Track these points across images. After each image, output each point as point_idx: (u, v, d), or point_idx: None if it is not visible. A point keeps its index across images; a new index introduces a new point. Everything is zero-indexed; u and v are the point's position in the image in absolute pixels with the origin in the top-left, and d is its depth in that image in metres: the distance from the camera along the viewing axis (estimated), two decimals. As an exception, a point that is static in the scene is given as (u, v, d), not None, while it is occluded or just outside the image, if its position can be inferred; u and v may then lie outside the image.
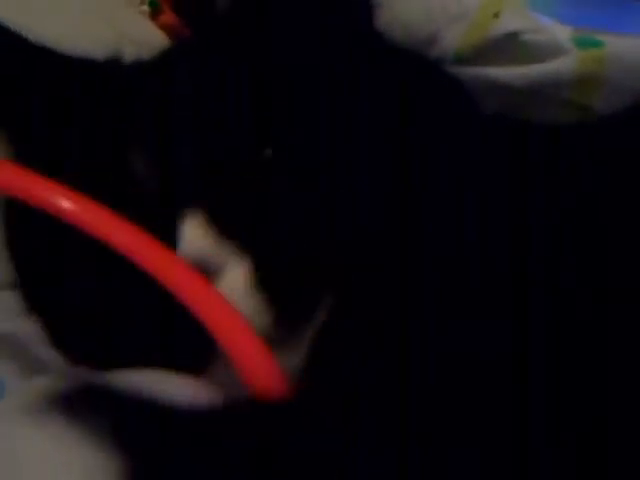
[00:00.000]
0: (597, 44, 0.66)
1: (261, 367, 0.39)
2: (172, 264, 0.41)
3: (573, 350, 0.39)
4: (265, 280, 0.42)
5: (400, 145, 0.45)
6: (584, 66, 0.64)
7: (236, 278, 0.42)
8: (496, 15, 0.66)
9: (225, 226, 0.43)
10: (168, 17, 0.60)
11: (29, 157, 0.46)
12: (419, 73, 0.51)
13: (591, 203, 0.44)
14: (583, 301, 0.41)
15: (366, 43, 0.49)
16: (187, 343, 0.42)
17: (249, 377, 0.39)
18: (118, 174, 0.44)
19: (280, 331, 0.42)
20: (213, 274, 0.42)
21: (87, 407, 0.34)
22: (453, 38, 0.66)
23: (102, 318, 0.44)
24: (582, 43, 0.66)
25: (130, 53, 0.49)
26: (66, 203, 0.40)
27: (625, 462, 0.38)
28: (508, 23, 0.66)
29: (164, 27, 0.59)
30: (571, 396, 0.38)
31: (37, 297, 0.48)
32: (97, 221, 0.40)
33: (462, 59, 0.66)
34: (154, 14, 0.59)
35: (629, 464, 0.37)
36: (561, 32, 0.67)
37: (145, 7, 0.59)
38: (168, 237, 0.42)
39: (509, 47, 0.66)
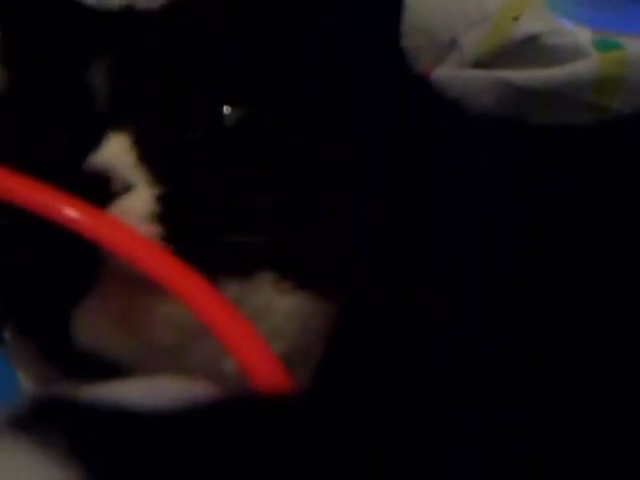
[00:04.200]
0: (617, 46, 0.66)
1: (261, 360, 0.39)
2: (179, 271, 0.41)
3: (578, 354, 0.39)
4: (167, 214, 0.43)
5: (405, 150, 0.46)
6: (605, 68, 0.64)
7: (138, 202, 0.43)
8: (516, 18, 0.66)
9: (149, 152, 0.44)
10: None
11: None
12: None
13: (607, 203, 0.44)
14: (590, 305, 0.41)
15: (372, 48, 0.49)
16: None
17: (250, 371, 0.39)
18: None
19: None
20: (118, 192, 0.42)
21: (48, 425, 0.33)
22: (473, 42, 0.66)
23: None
24: (602, 45, 0.66)
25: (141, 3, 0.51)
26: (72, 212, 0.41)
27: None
28: (528, 26, 0.66)
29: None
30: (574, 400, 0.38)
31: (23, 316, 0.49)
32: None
33: (482, 62, 0.66)
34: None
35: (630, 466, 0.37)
36: (581, 35, 0.68)
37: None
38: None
39: (529, 50, 0.66)
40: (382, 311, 0.42)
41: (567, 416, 0.37)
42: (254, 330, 0.40)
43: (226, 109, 0.45)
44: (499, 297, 0.41)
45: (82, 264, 0.43)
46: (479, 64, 0.66)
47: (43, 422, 0.33)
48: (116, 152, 0.44)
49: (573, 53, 0.65)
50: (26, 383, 0.51)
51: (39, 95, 0.48)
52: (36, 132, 0.47)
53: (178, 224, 0.43)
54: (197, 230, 0.43)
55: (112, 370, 0.45)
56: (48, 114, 0.47)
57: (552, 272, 0.41)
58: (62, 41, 0.48)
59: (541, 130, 0.52)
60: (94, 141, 0.44)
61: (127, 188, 0.43)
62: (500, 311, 0.41)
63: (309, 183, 0.45)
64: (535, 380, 0.38)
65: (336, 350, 0.43)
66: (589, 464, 0.37)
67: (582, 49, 0.66)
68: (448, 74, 0.64)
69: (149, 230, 0.42)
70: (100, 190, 0.42)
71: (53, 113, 0.47)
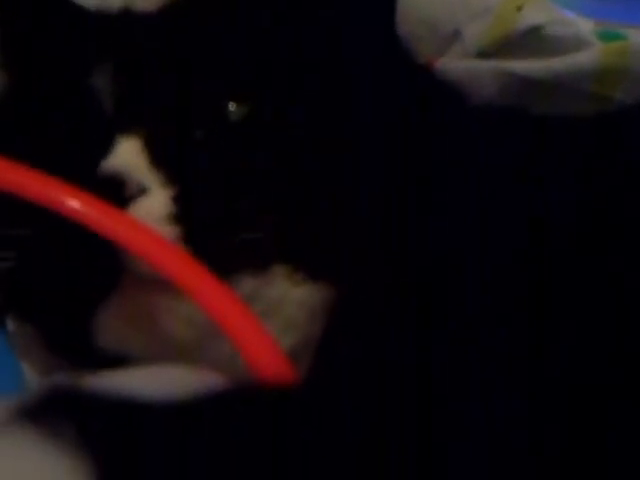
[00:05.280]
0: (619, 37, 0.66)
1: (264, 350, 0.39)
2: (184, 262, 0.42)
3: (578, 347, 0.39)
4: (184, 213, 0.44)
5: (405, 143, 0.46)
6: (607, 59, 0.64)
7: (154, 204, 0.43)
8: (519, 9, 0.66)
9: (160, 155, 0.45)
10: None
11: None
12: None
13: (607, 196, 0.44)
14: (590, 298, 0.41)
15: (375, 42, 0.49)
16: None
17: (252, 361, 0.39)
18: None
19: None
20: (134, 195, 0.43)
21: (56, 415, 0.33)
22: (476, 33, 0.66)
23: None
24: (604, 36, 0.66)
25: (139, 4, 0.51)
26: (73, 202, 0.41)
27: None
28: (531, 17, 0.66)
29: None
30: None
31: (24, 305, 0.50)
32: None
33: (485, 53, 0.66)
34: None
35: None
36: (583, 25, 0.67)
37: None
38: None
39: (532, 40, 0.66)
40: (382, 303, 0.42)
41: (567, 409, 0.37)
42: (262, 326, 0.40)
43: (231, 105, 0.46)
44: (499, 290, 0.41)
45: (104, 266, 0.43)
46: (482, 55, 0.66)
47: (51, 412, 0.33)
48: (128, 156, 0.44)
49: (576, 43, 0.65)
50: (31, 374, 0.51)
51: (41, 101, 0.48)
52: (41, 137, 0.47)
53: (194, 223, 0.44)
54: (212, 228, 0.44)
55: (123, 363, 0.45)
56: (53, 119, 0.47)
57: (552, 265, 0.41)
58: (64, 46, 0.49)
59: (541, 122, 0.52)
60: (104, 146, 0.45)
61: (142, 191, 0.43)
62: (500, 304, 0.41)
63: (309, 176, 0.45)
64: (535, 373, 0.38)
65: (336, 342, 0.43)
66: (589, 457, 0.37)
67: (585, 40, 0.65)
68: (451, 65, 0.64)
69: (167, 231, 0.43)
70: (116, 194, 0.43)
71: (58, 118, 0.47)
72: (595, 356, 0.39)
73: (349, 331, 0.43)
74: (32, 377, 0.51)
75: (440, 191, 0.44)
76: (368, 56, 0.48)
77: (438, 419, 0.37)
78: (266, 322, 0.43)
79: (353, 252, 0.45)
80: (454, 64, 0.65)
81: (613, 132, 0.49)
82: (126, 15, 0.51)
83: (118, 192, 0.43)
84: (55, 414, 0.33)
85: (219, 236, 0.44)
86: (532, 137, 0.49)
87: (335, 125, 0.46)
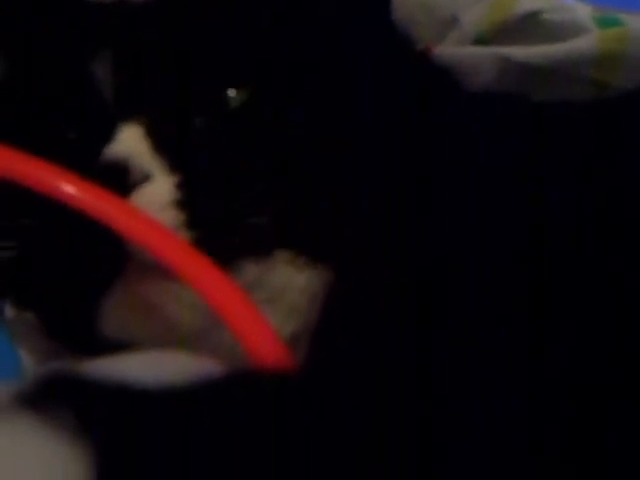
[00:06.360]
0: (617, 23, 0.66)
1: (264, 338, 0.40)
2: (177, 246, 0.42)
3: (577, 346, 0.39)
4: (187, 200, 0.44)
5: (404, 142, 0.46)
6: (606, 44, 0.64)
7: (158, 190, 0.44)
8: (517, -6, 0.66)
9: (162, 142, 0.45)
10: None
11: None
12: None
13: (607, 194, 0.44)
14: (590, 297, 0.41)
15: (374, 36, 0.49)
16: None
17: (252, 350, 0.39)
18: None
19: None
20: (138, 181, 0.44)
21: (55, 401, 0.33)
22: (474, 18, 0.66)
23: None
24: (602, 22, 0.66)
25: None
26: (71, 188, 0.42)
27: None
28: (529, 2, 0.66)
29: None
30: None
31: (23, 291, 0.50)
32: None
33: (483, 39, 0.66)
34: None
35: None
36: (581, 11, 0.67)
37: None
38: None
39: (530, 26, 0.66)
40: (382, 303, 0.43)
41: (567, 409, 0.38)
42: (262, 315, 0.40)
43: (230, 92, 0.46)
44: (499, 289, 0.41)
45: (108, 254, 0.44)
46: (480, 41, 0.66)
47: (50, 398, 0.33)
48: (130, 143, 0.44)
49: (574, 29, 0.65)
50: (29, 361, 0.52)
51: (41, 90, 0.48)
52: (43, 126, 0.47)
53: (198, 210, 0.44)
54: (215, 214, 0.44)
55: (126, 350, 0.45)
56: (54, 109, 0.47)
57: (552, 265, 0.41)
58: (63, 35, 0.49)
59: (541, 120, 0.52)
60: (106, 134, 0.45)
61: (145, 177, 0.44)
62: (500, 304, 0.41)
63: (310, 175, 0.46)
64: (535, 373, 0.38)
65: (336, 340, 0.43)
66: (589, 457, 0.37)
67: (583, 25, 0.65)
68: (449, 51, 0.64)
69: (171, 217, 0.44)
70: (119, 181, 0.43)
71: (59, 107, 0.47)
72: (595, 356, 0.39)
73: (349, 330, 0.43)
74: (30, 364, 0.52)
75: (440, 191, 0.44)
76: (368, 55, 0.48)
77: (438, 419, 0.37)
78: (269, 309, 0.44)
79: (353, 246, 0.45)
80: (452, 50, 0.65)
81: (613, 128, 0.49)
82: (122, 4, 0.50)
83: (122, 179, 0.43)
84: (54, 400, 0.33)
85: (222, 222, 0.44)
86: (532, 136, 0.49)
87: (335, 123, 0.46)
